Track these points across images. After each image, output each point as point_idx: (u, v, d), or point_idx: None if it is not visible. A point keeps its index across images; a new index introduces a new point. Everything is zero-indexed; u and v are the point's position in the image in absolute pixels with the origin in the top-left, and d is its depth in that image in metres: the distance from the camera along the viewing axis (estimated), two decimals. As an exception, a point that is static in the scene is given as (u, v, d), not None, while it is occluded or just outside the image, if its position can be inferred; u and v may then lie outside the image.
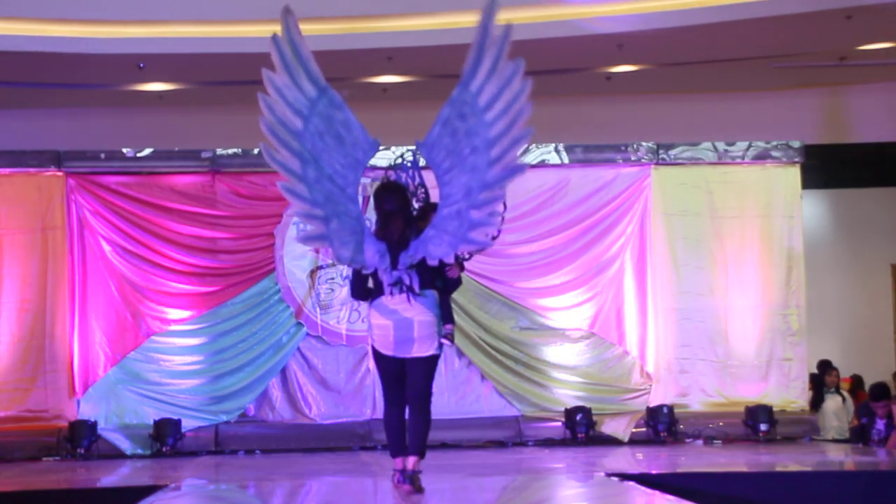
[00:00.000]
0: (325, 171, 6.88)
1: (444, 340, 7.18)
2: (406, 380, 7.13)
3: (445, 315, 7.41)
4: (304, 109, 6.89)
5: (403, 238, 6.97)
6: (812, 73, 14.04)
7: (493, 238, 7.20)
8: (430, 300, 7.02)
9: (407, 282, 6.93)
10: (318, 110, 6.91)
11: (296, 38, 6.83)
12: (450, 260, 7.05)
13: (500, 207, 7.23)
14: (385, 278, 6.95)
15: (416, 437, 7.10)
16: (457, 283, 7.65)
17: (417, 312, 6.97)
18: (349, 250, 6.87)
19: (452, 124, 6.92)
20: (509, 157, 6.83)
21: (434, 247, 6.89)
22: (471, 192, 6.84)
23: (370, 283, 7.08)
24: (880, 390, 11.21)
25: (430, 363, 7.12)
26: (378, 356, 7.18)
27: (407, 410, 7.22)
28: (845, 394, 12.64)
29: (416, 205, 7.47)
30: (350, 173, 6.95)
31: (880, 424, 10.86)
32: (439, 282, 7.21)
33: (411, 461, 7.08)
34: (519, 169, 6.89)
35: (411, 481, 7.08)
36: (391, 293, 6.95)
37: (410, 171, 7.69)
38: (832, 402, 12.31)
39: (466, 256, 7.94)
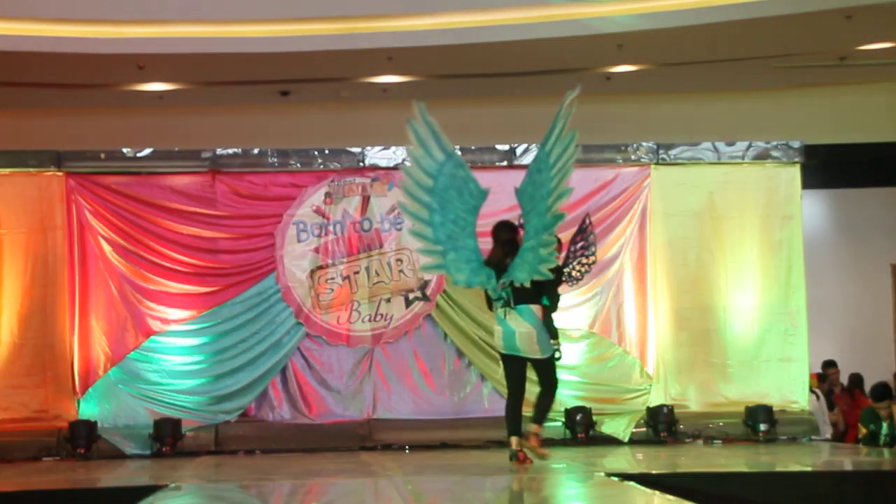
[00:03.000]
0: (449, 217, 8.79)
1: (556, 356, 9.17)
2: (520, 376, 9.13)
3: (550, 329, 9.15)
4: (434, 171, 8.77)
5: (503, 264, 8.89)
6: (812, 73, 14.04)
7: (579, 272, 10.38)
8: (527, 314, 8.90)
9: (505, 297, 8.87)
10: (444, 171, 8.77)
11: (429, 120, 8.74)
12: (527, 284, 8.79)
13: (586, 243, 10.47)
14: (491, 295, 8.99)
15: (539, 410, 9.19)
16: (556, 300, 9.50)
17: (518, 324, 8.89)
18: (463, 275, 8.91)
19: (533, 176, 8.68)
20: (556, 206, 8.58)
21: (518, 273, 8.76)
22: (538, 232, 8.67)
23: None
24: (882, 390, 11.18)
25: (544, 362, 9.08)
26: (499, 353, 9.21)
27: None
28: (818, 391, 12.62)
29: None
30: (469, 216, 8.84)
31: (885, 428, 10.86)
32: (545, 299, 9.06)
33: (533, 427, 9.06)
34: (561, 217, 8.68)
35: (525, 440, 9.02)
36: (497, 306, 8.97)
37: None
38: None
39: (578, 276, 10.56)
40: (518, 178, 10.25)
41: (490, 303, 9.12)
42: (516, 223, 9.22)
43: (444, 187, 8.74)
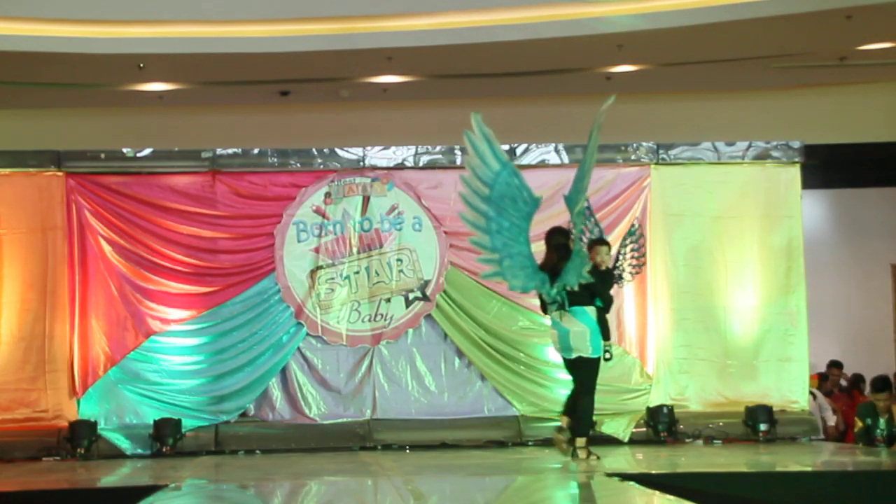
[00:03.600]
0: (504, 225, 9.02)
1: (606, 356, 9.46)
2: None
3: (604, 330, 9.45)
4: (490, 180, 8.97)
5: (557, 269, 9.23)
6: (812, 73, 14.04)
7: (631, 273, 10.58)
8: (581, 315, 9.28)
9: (559, 300, 9.24)
10: (500, 179, 8.98)
11: (486, 132, 8.93)
12: (574, 287, 9.14)
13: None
14: (546, 298, 9.36)
15: (577, 422, 9.45)
16: (609, 302, 9.70)
17: (573, 325, 9.28)
18: (519, 280, 9.19)
19: (577, 183, 9.09)
20: (582, 204, 9.22)
21: (570, 277, 9.12)
22: (581, 234, 9.45)
23: None
24: (882, 382, 11.14)
25: (589, 362, 9.37)
26: (562, 358, 9.58)
27: None
28: (816, 391, 12.62)
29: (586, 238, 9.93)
30: (523, 223, 9.07)
31: (882, 423, 10.83)
32: (598, 301, 9.42)
33: (579, 441, 9.39)
34: (582, 212, 9.42)
35: (574, 454, 9.35)
36: (551, 310, 9.36)
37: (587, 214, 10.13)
38: None
39: (629, 278, 10.66)
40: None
41: (545, 306, 9.48)
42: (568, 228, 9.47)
43: (500, 195, 9.00)
